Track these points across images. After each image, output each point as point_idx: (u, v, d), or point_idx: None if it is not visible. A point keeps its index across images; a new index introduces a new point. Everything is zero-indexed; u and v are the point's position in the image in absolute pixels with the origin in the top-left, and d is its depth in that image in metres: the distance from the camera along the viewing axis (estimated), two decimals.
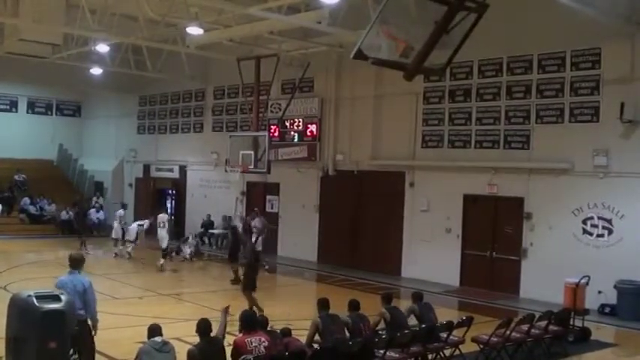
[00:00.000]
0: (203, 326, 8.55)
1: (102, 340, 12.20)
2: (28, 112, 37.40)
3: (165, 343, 8.36)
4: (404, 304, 12.93)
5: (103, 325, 13.77)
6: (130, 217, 33.71)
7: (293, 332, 10.00)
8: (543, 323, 12.51)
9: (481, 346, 11.45)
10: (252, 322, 8.91)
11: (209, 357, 8.29)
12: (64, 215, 31.34)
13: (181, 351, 8.54)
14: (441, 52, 10.92)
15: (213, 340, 8.54)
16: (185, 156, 30.95)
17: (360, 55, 10.11)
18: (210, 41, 21.89)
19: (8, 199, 32.34)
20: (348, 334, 10.27)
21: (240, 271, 18.36)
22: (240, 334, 8.76)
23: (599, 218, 17.56)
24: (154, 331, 8.56)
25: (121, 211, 26.25)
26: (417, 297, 11.91)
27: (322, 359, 9.33)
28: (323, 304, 10.40)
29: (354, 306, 10.80)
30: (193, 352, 8.27)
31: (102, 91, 33.62)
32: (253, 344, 8.52)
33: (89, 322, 9.62)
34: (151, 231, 24.36)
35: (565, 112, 18.24)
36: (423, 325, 11.04)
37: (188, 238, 26.06)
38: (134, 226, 24.66)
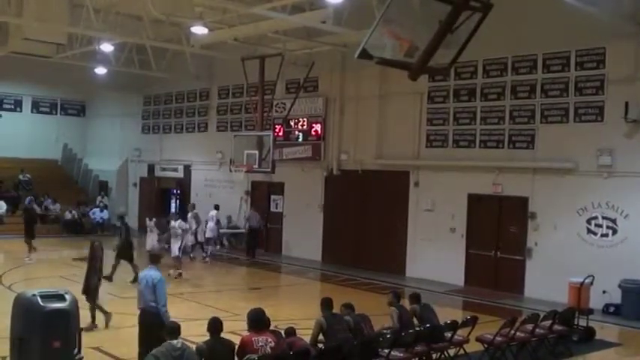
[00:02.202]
0: (214, 325, 8.59)
1: (106, 339, 12.27)
2: (32, 112, 37.44)
3: (184, 350, 8.04)
4: (408, 305, 12.92)
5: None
6: (133, 216, 33.86)
7: (297, 332, 10.01)
8: (548, 323, 12.49)
9: (485, 346, 11.44)
10: (260, 321, 8.93)
11: (217, 355, 8.29)
12: (67, 215, 31.41)
13: None
14: (446, 52, 10.90)
15: (223, 339, 8.56)
16: (190, 155, 30.98)
17: (364, 55, 10.09)
18: (214, 41, 21.94)
19: (13, 198, 32.39)
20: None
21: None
22: (248, 333, 8.78)
23: (603, 218, 17.54)
24: (173, 330, 8.26)
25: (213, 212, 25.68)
26: (416, 298, 11.87)
27: (327, 359, 9.33)
28: (327, 304, 10.40)
29: (352, 308, 10.81)
30: (202, 348, 8.31)
31: (106, 90, 33.66)
32: (260, 343, 8.54)
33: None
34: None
35: (569, 111, 18.22)
36: (428, 325, 11.04)
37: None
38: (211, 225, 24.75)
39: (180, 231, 20.84)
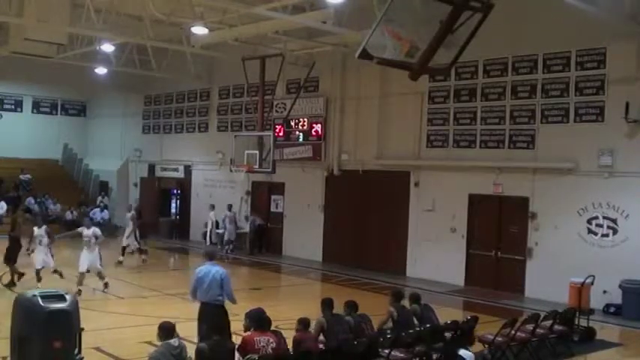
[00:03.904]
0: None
1: (106, 339, 12.26)
2: (33, 112, 37.49)
3: (182, 348, 8.04)
4: (408, 305, 12.92)
5: (107, 324, 13.87)
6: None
7: (297, 332, 9.97)
8: (548, 323, 12.49)
9: (486, 346, 11.44)
10: (262, 321, 8.95)
11: (218, 356, 8.30)
12: (68, 215, 31.41)
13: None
14: (446, 52, 10.91)
15: (223, 340, 8.57)
16: (190, 156, 30.97)
17: (365, 55, 10.11)
18: (215, 41, 21.90)
19: (13, 198, 32.38)
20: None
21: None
22: (250, 332, 8.79)
23: (604, 218, 17.53)
24: (169, 331, 8.11)
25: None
26: (416, 298, 11.89)
27: (328, 359, 9.32)
28: (327, 304, 10.40)
29: (355, 307, 10.81)
30: (203, 349, 8.31)
31: (107, 90, 33.67)
32: (262, 343, 8.57)
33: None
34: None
35: (570, 111, 18.21)
36: (428, 325, 11.04)
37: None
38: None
39: (93, 240, 17.04)
